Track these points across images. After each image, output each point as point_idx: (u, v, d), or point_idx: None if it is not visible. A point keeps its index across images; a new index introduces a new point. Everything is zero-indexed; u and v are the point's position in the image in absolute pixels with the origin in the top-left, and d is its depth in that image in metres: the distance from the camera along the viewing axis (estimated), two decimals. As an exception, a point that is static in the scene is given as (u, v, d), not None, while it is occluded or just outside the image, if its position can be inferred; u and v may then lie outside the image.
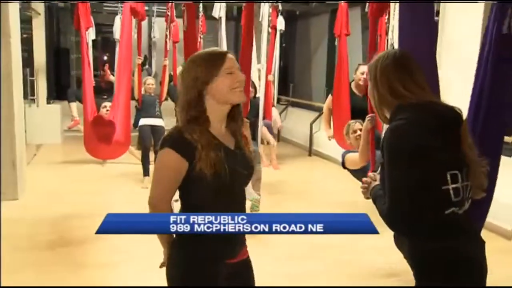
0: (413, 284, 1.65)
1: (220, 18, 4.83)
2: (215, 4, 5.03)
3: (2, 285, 2.97)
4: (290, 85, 10.60)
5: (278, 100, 10.34)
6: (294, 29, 11.14)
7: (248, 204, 4.54)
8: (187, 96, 1.71)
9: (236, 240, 1.79)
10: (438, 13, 5.66)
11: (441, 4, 5.58)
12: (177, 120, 1.80)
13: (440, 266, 1.55)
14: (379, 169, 1.68)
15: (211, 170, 1.65)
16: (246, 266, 1.88)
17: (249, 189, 4.51)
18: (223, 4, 4.89)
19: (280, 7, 6.92)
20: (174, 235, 1.77)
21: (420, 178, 1.49)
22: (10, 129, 5.13)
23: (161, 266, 1.86)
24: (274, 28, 6.71)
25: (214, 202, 1.69)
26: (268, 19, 4.92)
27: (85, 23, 5.24)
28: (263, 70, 4.92)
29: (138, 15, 5.19)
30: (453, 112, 1.62)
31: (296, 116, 9.62)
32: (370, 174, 1.76)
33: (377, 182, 1.70)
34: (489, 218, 4.48)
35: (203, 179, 1.65)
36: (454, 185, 1.51)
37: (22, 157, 5.53)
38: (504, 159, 2.97)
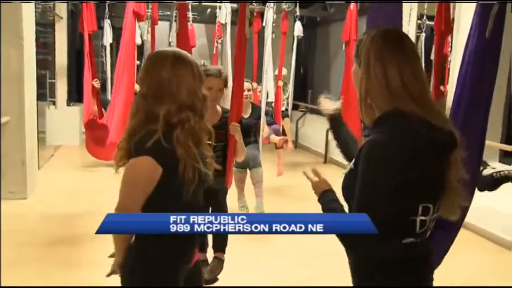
0: None
1: (226, 23, 4.82)
2: (222, 9, 5.03)
3: (2, 285, 3.01)
4: (309, 92, 10.51)
5: (297, 107, 10.28)
6: (314, 35, 11.06)
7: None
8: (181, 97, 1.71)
9: (194, 243, 1.80)
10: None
11: (457, 4, 5.45)
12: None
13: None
14: (346, 173, 1.57)
15: (191, 178, 1.64)
16: (198, 267, 1.90)
17: (242, 199, 4.55)
18: (229, 10, 4.88)
19: (297, 13, 6.86)
20: (133, 239, 1.73)
21: (391, 206, 1.36)
22: (20, 128, 5.24)
23: (109, 275, 1.81)
24: (284, 34, 6.66)
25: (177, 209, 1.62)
26: (273, 24, 4.88)
27: (89, 27, 5.32)
28: (266, 75, 4.88)
29: (141, 18, 5.24)
30: (447, 136, 1.41)
31: (314, 122, 9.52)
32: (313, 169, 1.62)
33: (319, 182, 1.57)
34: (490, 228, 4.57)
35: (177, 186, 1.64)
36: (422, 217, 1.41)
37: (33, 157, 5.64)
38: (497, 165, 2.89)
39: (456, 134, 1.42)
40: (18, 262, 3.72)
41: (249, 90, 4.63)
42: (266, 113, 5.89)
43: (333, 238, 1.42)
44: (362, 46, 1.46)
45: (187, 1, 3.20)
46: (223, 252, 3.24)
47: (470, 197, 1.50)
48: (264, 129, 5.02)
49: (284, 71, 7.22)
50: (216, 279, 3.19)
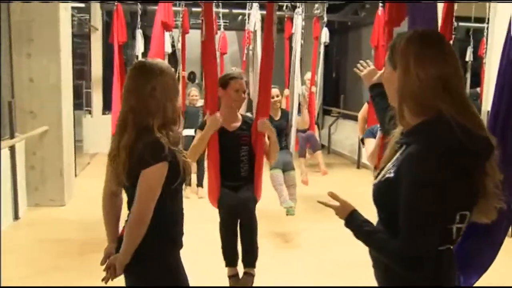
0: None
1: (256, 31, 4.83)
2: (251, 17, 5.04)
3: (2, 285, 3.06)
4: (341, 97, 10.43)
5: (329, 112, 10.21)
6: (345, 40, 10.99)
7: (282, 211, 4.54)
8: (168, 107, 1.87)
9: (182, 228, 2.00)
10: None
11: (491, 6, 5.34)
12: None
13: None
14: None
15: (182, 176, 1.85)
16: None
17: (284, 197, 4.49)
18: (258, 17, 4.90)
19: (325, 19, 6.82)
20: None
21: (437, 215, 1.32)
22: (59, 138, 5.40)
23: (108, 280, 1.95)
24: (316, 39, 6.63)
25: (174, 198, 1.92)
26: (302, 31, 4.87)
27: (119, 37, 5.43)
28: (297, 81, 4.88)
29: (169, 28, 5.32)
30: (485, 143, 1.36)
31: (347, 128, 9.44)
32: (329, 193, 1.59)
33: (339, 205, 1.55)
34: None
35: (176, 186, 1.85)
36: (459, 225, 1.38)
37: (70, 166, 5.80)
38: None
39: (492, 140, 1.37)
40: (56, 269, 3.82)
41: (277, 96, 4.61)
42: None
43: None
44: (398, 48, 1.42)
45: (212, 6, 3.15)
46: (253, 267, 3.15)
47: (506, 199, 1.44)
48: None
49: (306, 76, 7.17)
50: None
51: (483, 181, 1.38)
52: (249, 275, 3.10)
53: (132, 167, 1.80)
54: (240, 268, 3.26)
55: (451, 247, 1.44)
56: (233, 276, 3.15)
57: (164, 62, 1.93)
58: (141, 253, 1.84)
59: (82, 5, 8.20)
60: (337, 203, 1.56)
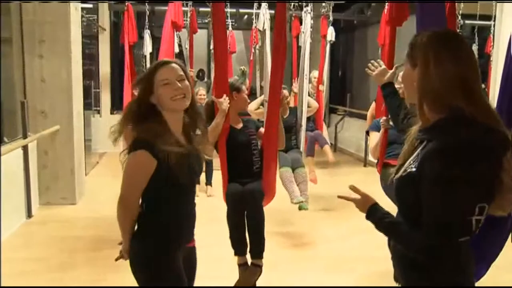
0: None
1: (265, 30, 4.88)
2: (260, 16, 5.09)
3: (2, 285, 3.09)
4: (348, 95, 10.46)
5: (335, 110, 10.25)
6: (351, 38, 11.01)
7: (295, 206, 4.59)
8: (140, 107, 1.91)
9: (193, 224, 2.05)
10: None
11: (498, 6, 5.37)
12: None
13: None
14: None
15: (177, 168, 1.83)
16: (194, 252, 2.12)
17: (295, 193, 4.54)
18: (267, 16, 4.94)
19: (331, 18, 6.86)
20: (136, 226, 1.96)
21: (459, 208, 1.37)
22: (70, 137, 5.47)
23: (117, 259, 2.06)
24: (324, 37, 6.67)
25: (175, 197, 1.94)
26: (311, 30, 4.92)
27: (130, 38, 5.49)
28: (306, 80, 4.92)
29: (179, 28, 5.38)
30: (502, 138, 1.41)
31: (353, 126, 9.49)
32: (350, 186, 1.63)
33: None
34: None
35: (168, 177, 1.85)
36: (478, 217, 1.40)
37: (81, 165, 5.87)
38: None
39: (508, 135, 1.42)
40: (70, 266, 3.90)
41: (286, 97, 4.75)
42: (308, 118, 5.92)
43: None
44: (418, 47, 1.47)
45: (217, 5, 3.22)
46: (260, 257, 3.20)
47: None
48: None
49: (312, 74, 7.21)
50: (254, 286, 3.19)
51: (500, 175, 1.42)
52: (256, 266, 3.17)
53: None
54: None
55: (470, 238, 1.46)
56: (242, 265, 3.23)
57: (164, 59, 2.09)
58: (139, 249, 1.93)
59: (90, 5, 8.28)
60: (358, 196, 1.61)
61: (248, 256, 3.25)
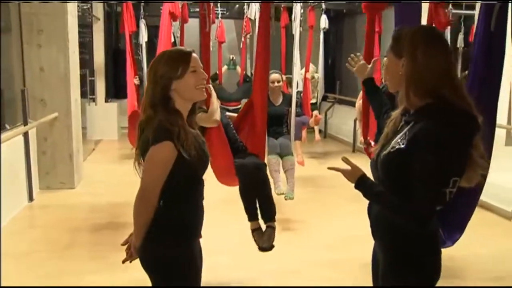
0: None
1: (256, 19, 5.06)
2: (251, 5, 5.27)
3: (2, 285, 3.17)
4: (337, 83, 10.70)
5: (325, 98, 10.48)
6: (341, 27, 11.22)
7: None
8: (154, 94, 1.83)
9: (203, 216, 2.01)
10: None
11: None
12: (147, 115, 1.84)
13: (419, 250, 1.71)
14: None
15: (195, 159, 1.80)
16: (200, 243, 2.07)
17: (278, 183, 4.75)
18: (258, 6, 5.12)
19: (323, 6, 7.07)
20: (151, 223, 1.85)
21: (444, 179, 1.57)
22: (68, 124, 5.67)
23: (125, 261, 1.97)
24: (311, 27, 6.88)
25: (193, 191, 1.91)
26: (301, 19, 5.11)
27: (129, 27, 5.67)
28: (296, 67, 5.14)
29: (176, 18, 5.56)
30: (474, 121, 1.63)
31: (343, 113, 9.73)
32: (343, 158, 1.81)
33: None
34: (492, 201, 4.95)
35: (188, 169, 1.81)
36: (451, 189, 1.59)
37: (79, 151, 6.08)
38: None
39: (479, 118, 1.64)
40: (73, 245, 4.14)
41: (278, 82, 4.84)
42: (295, 104, 6.14)
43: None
44: (405, 40, 1.68)
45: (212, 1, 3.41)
46: (273, 220, 3.45)
47: (487, 166, 1.72)
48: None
49: (312, 67, 7.43)
50: (273, 246, 3.39)
51: (471, 153, 1.65)
52: (271, 228, 3.43)
53: (142, 155, 1.85)
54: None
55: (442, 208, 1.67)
56: (256, 230, 3.44)
57: (170, 49, 2.00)
58: (151, 243, 1.86)
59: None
60: (348, 167, 1.80)
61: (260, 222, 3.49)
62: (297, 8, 4.74)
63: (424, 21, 4.51)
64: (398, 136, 1.69)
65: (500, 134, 5.03)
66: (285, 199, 4.78)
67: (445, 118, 1.60)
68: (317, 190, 5.93)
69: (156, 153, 1.77)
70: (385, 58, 1.84)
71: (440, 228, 1.98)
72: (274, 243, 3.42)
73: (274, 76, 4.79)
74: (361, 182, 1.74)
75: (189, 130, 1.85)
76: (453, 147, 1.58)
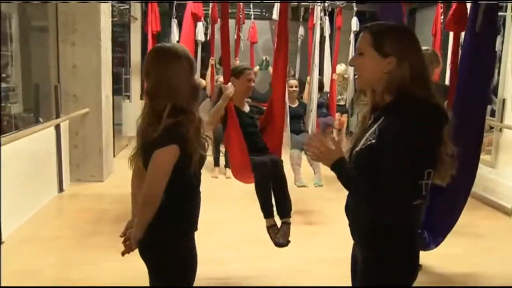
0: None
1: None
2: (275, 5, 5.34)
3: (2, 285, 3.22)
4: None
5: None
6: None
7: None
8: (181, 90, 1.85)
9: (199, 210, 2.04)
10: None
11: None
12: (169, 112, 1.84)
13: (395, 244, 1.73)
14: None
15: (197, 158, 1.85)
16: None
17: (299, 176, 4.90)
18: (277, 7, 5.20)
19: (354, 8, 7.05)
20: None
21: (412, 174, 1.58)
22: (98, 120, 5.92)
23: (124, 253, 2.00)
24: (339, 29, 6.87)
25: (193, 186, 1.95)
26: (320, 22, 5.15)
27: (153, 27, 5.84)
28: (316, 69, 5.20)
29: (199, 18, 5.69)
30: (445, 113, 1.66)
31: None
32: (331, 138, 1.76)
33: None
34: (492, 197, 5.14)
35: (189, 168, 1.85)
36: (426, 181, 1.61)
37: (109, 145, 6.32)
38: None
39: (448, 112, 1.66)
40: (95, 234, 4.34)
41: (296, 87, 5.12)
42: (321, 105, 6.18)
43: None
44: (392, 40, 1.67)
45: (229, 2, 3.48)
46: (289, 216, 3.49)
47: (455, 165, 1.72)
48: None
49: (343, 66, 7.41)
50: (288, 241, 3.43)
51: (440, 149, 1.66)
52: (287, 224, 3.47)
53: (145, 150, 1.88)
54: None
55: (423, 202, 1.69)
56: (271, 226, 3.48)
57: (180, 46, 1.95)
58: (153, 236, 1.91)
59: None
60: (331, 147, 1.78)
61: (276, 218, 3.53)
62: (318, 9, 4.78)
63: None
64: (369, 132, 1.71)
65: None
66: (315, 187, 5.05)
67: (414, 111, 1.61)
68: (341, 188, 5.89)
69: (162, 156, 1.80)
70: (354, 56, 1.77)
71: (425, 230, 1.99)
72: (291, 238, 3.44)
73: (292, 81, 5.13)
74: (337, 163, 1.71)
75: (197, 134, 1.87)
76: (423, 138, 1.59)
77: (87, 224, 4.56)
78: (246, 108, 3.66)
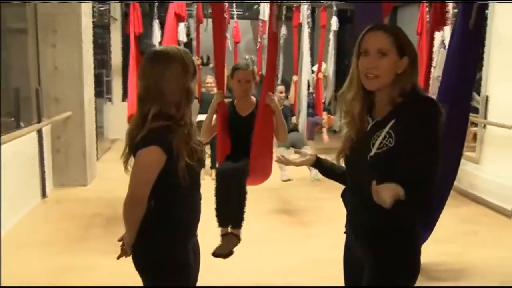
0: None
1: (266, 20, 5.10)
2: (262, 7, 5.29)
3: (2, 285, 3.22)
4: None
5: (336, 98, 10.43)
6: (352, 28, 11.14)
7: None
8: (173, 94, 1.83)
9: (199, 217, 2.01)
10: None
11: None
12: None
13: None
14: None
15: (187, 162, 1.80)
16: (197, 243, 2.09)
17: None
18: (268, 6, 5.16)
19: (334, 7, 7.05)
20: (143, 223, 1.88)
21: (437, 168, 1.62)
22: (81, 123, 5.79)
23: (119, 257, 2.01)
24: (323, 27, 6.86)
25: (185, 193, 1.89)
26: (307, 21, 5.13)
27: (135, 28, 5.74)
28: (305, 68, 5.20)
29: (182, 19, 5.61)
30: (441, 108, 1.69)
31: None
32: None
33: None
34: (491, 199, 5.13)
35: (177, 173, 1.80)
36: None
37: (92, 149, 6.20)
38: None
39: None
40: (87, 238, 4.26)
41: (281, 92, 5.25)
42: (308, 105, 6.17)
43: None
44: (404, 39, 1.69)
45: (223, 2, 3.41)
46: (239, 228, 3.28)
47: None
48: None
49: (323, 65, 7.42)
50: (231, 253, 3.24)
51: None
52: (233, 235, 3.27)
53: (130, 153, 1.90)
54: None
55: None
56: (225, 235, 3.31)
57: (174, 49, 1.90)
58: (142, 241, 1.89)
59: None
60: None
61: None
62: (304, 9, 4.76)
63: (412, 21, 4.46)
64: (381, 136, 1.67)
65: (510, 136, 4.96)
66: (312, 181, 5.29)
67: (424, 109, 1.62)
68: (327, 190, 5.88)
69: (142, 157, 1.79)
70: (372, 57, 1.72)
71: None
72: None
73: (281, 87, 5.30)
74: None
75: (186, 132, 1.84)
76: (437, 134, 1.60)
77: (78, 229, 4.46)
78: (245, 112, 3.36)
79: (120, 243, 2.03)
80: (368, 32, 1.72)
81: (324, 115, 6.52)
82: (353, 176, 1.82)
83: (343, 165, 1.88)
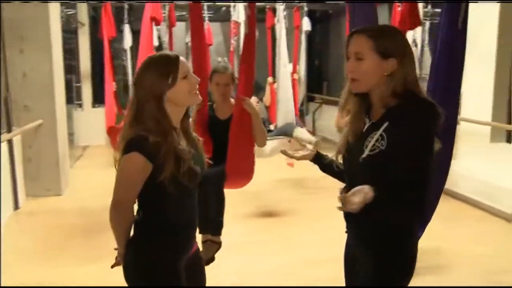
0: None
1: (241, 22, 5.06)
2: (236, 8, 5.26)
3: (2, 285, 3.18)
4: (324, 83, 10.72)
5: (312, 99, 10.50)
6: (327, 28, 11.24)
7: None
8: (147, 103, 1.73)
9: (195, 230, 1.96)
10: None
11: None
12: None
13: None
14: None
15: (173, 173, 1.72)
16: (197, 256, 2.01)
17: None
18: (242, 8, 5.13)
19: (305, 8, 7.08)
20: (132, 233, 1.84)
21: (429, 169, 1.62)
22: (53, 131, 5.62)
23: (113, 266, 1.96)
24: (297, 28, 6.89)
25: (174, 202, 1.81)
26: (285, 21, 5.13)
27: (108, 32, 5.63)
28: (285, 68, 5.18)
29: (158, 22, 5.53)
30: (439, 109, 1.69)
31: (330, 113, 9.74)
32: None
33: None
34: (491, 203, 5.08)
35: (165, 181, 1.72)
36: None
37: (65, 157, 6.03)
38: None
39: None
40: (65, 250, 4.12)
41: (258, 102, 5.16)
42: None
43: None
44: (392, 39, 1.68)
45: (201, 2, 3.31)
46: (218, 234, 3.26)
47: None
48: None
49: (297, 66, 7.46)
50: (213, 259, 3.21)
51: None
52: (213, 242, 3.24)
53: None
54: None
55: None
56: (204, 242, 3.26)
57: (154, 55, 1.85)
58: (134, 253, 1.83)
59: (68, 0, 8.35)
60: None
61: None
62: (280, 9, 4.75)
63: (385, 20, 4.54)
64: (374, 139, 1.66)
65: (484, 132, 5.08)
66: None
67: (419, 111, 1.62)
68: (309, 191, 5.92)
69: (124, 164, 1.75)
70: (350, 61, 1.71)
71: None
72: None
73: (254, 98, 5.14)
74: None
75: (173, 139, 1.76)
76: (431, 136, 1.61)
77: (54, 240, 4.32)
78: (225, 116, 3.30)
79: (116, 252, 1.95)
80: (351, 36, 1.73)
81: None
82: (350, 175, 1.82)
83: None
